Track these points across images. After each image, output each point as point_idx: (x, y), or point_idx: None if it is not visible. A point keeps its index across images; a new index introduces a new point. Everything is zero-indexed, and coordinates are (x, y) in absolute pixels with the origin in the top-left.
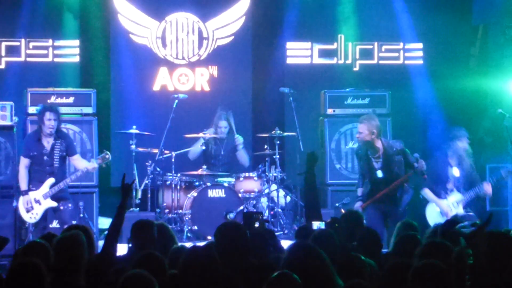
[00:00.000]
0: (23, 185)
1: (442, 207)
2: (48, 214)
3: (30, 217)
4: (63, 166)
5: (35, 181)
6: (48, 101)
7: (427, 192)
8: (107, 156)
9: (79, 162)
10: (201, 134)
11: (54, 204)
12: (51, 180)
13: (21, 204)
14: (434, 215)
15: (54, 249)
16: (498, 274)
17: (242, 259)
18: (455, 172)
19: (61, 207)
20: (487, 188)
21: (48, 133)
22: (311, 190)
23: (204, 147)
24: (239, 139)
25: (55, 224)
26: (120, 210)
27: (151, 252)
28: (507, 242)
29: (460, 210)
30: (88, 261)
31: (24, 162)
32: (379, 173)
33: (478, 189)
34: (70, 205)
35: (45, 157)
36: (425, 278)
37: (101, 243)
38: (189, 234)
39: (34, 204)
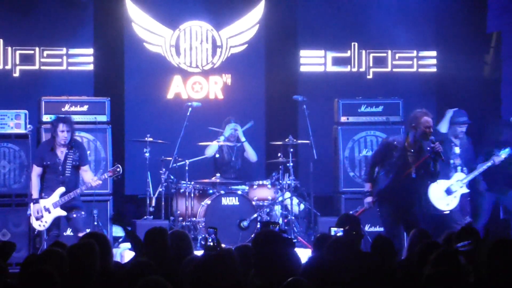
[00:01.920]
0: (35, 193)
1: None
2: (61, 222)
3: (39, 225)
4: (75, 176)
5: (47, 190)
6: (62, 109)
7: None
8: (118, 169)
9: (86, 174)
10: (214, 142)
11: (63, 213)
12: (61, 190)
13: (32, 212)
14: (437, 194)
15: (67, 257)
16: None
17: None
18: (457, 150)
19: (74, 215)
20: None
21: (61, 144)
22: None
23: (217, 155)
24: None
25: (69, 232)
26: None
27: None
28: (507, 248)
29: (464, 190)
30: (104, 268)
31: (36, 171)
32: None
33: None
34: (83, 212)
35: (59, 167)
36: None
37: (115, 250)
38: (202, 242)
39: (44, 212)
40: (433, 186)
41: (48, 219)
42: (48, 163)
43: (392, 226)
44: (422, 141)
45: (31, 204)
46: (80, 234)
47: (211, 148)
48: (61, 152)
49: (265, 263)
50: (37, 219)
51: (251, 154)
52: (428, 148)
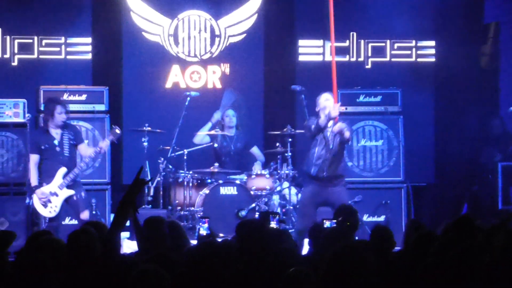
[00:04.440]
0: (34, 180)
1: None
2: (62, 212)
3: (50, 211)
4: (73, 155)
5: (46, 177)
6: (61, 98)
7: None
8: (117, 131)
9: (86, 150)
10: (213, 132)
11: (71, 192)
12: (63, 170)
13: (36, 199)
14: None
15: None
16: None
17: (261, 256)
18: None
19: (74, 197)
20: None
21: (59, 125)
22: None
23: (216, 144)
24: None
25: (67, 221)
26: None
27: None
28: None
29: None
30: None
31: (34, 159)
32: None
33: None
34: (82, 193)
35: (57, 148)
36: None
37: None
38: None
39: (51, 197)
40: None
41: (57, 203)
42: (46, 146)
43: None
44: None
45: (34, 194)
46: (82, 216)
47: (198, 136)
48: (56, 133)
49: (249, 254)
50: (45, 205)
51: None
52: None
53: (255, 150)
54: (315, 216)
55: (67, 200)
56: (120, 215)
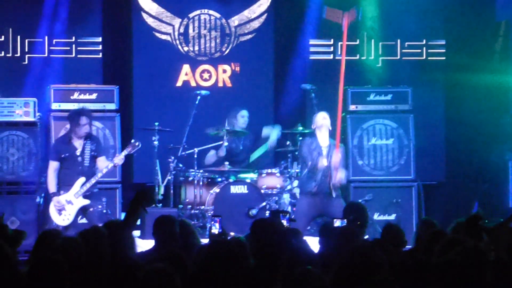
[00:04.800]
0: (52, 187)
1: None
2: (76, 220)
3: (63, 219)
4: (92, 167)
5: (64, 185)
6: (71, 97)
7: None
8: (137, 144)
9: (102, 163)
10: (212, 152)
11: (86, 202)
12: (82, 180)
13: (52, 206)
14: None
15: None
16: None
17: (274, 254)
18: None
19: (90, 209)
20: None
21: (82, 136)
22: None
23: (226, 143)
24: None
25: (84, 220)
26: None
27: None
28: None
29: None
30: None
31: (53, 166)
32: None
33: None
34: (100, 206)
35: (78, 158)
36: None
37: None
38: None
39: (66, 206)
40: None
41: (71, 211)
42: (66, 155)
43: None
44: None
45: (52, 200)
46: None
47: (209, 157)
48: (79, 143)
49: (263, 252)
50: (59, 213)
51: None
52: None
53: (265, 131)
54: (306, 229)
55: (84, 211)
56: (131, 215)
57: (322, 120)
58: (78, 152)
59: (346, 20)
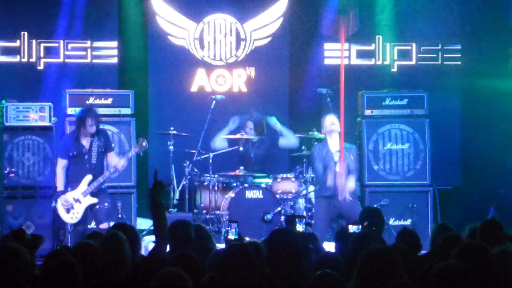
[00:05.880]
0: (60, 185)
1: None
2: (87, 216)
3: (72, 217)
4: (101, 163)
5: (72, 183)
6: (87, 102)
7: None
8: (144, 144)
9: (113, 159)
10: (238, 135)
11: (94, 200)
12: (88, 177)
13: (60, 205)
14: None
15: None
16: None
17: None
18: None
19: (97, 206)
20: None
21: (91, 133)
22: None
23: (241, 148)
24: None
25: (93, 224)
26: (154, 210)
27: (186, 252)
28: None
29: None
30: (133, 260)
31: (62, 163)
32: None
33: None
34: (106, 204)
35: (86, 156)
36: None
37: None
38: (226, 235)
39: (74, 204)
40: None
41: (79, 209)
42: (74, 153)
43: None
44: None
45: (59, 198)
46: (101, 226)
47: (218, 141)
48: (86, 141)
49: (279, 259)
50: (67, 211)
51: (291, 141)
52: None
53: (282, 141)
54: (327, 232)
55: (91, 207)
56: (157, 219)
57: (330, 125)
58: (85, 151)
59: (343, 30)
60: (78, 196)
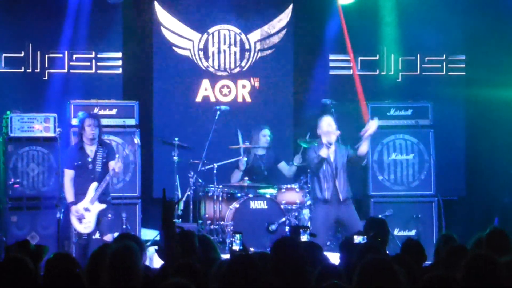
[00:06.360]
0: (70, 196)
1: None
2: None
3: (85, 227)
4: (105, 171)
5: (79, 195)
6: (91, 112)
7: None
8: (135, 141)
9: (110, 165)
10: (238, 172)
11: (103, 206)
12: (94, 185)
13: (73, 216)
14: None
15: (108, 261)
16: None
17: (297, 273)
18: None
19: (99, 217)
20: None
21: (89, 138)
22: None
23: (245, 158)
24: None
25: (96, 235)
26: (166, 230)
27: (189, 262)
28: None
29: None
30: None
31: (68, 174)
32: None
33: None
34: (109, 215)
35: (90, 165)
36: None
37: None
38: (231, 245)
39: (85, 213)
40: None
41: (90, 218)
42: (79, 163)
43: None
44: None
45: (70, 209)
46: (105, 237)
47: (234, 176)
48: (90, 150)
49: (283, 269)
50: (79, 221)
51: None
52: None
53: (282, 165)
54: (328, 239)
55: (98, 220)
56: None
57: (327, 126)
58: (90, 160)
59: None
60: (87, 205)
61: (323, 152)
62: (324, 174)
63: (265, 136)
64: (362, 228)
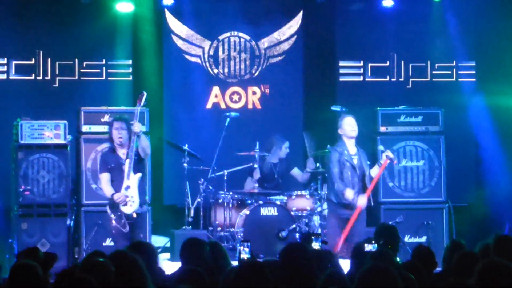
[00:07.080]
0: (109, 191)
1: None
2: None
3: (131, 205)
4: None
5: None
6: (102, 119)
7: None
8: (142, 96)
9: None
10: (252, 153)
11: (139, 174)
12: (127, 162)
13: (119, 201)
14: None
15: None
16: None
17: (306, 281)
18: None
19: (113, 231)
20: None
21: (118, 143)
22: None
23: (255, 165)
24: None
25: (108, 242)
26: None
27: (193, 268)
28: None
29: None
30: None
31: (105, 178)
32: None
33: None
34: (123, 221)
35: (123, 167)
36: None
37: None
38: (239, 254)
39: (127, 192)
40: None
41: (133, 193)
42: (113, 165)
43: None
44: None
45: (114, 201)
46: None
47: (249, 183)
48: (122, 153)
49: (291, 275)
50: (125, 203)
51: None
52: None
53: (296, 171)
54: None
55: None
56: None
57: (351, 131)
58: (123, 162)
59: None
60: (126, 183)
61: (349, 194)
62: (347, 180)
63: (287, 148)
64: (365, 234)
